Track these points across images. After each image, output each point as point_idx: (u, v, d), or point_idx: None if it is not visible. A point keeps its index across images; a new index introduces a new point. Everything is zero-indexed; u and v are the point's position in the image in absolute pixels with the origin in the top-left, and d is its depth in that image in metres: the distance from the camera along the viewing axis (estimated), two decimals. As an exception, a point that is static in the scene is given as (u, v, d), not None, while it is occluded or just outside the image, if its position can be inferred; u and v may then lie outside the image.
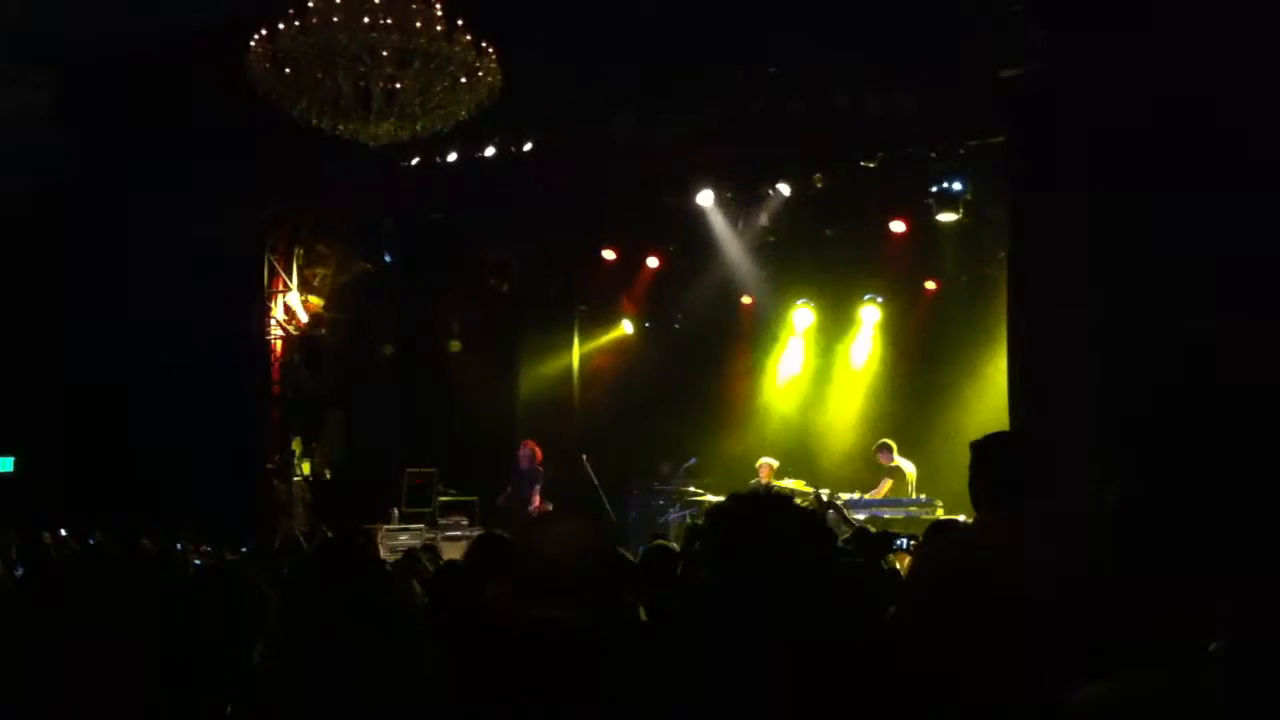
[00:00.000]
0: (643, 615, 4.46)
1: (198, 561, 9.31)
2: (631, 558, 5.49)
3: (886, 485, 12.71)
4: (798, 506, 2.46)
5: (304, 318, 14.26)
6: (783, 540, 2.20)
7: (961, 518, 9.39)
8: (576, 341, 16.02)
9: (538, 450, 13.64)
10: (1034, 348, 9.27)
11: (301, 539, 12.30)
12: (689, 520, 12.08)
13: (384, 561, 5.54)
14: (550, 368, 15.97)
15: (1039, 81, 9.15)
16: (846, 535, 8.27)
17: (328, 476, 14.05)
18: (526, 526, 6.57)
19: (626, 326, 15.77)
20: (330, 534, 11.10)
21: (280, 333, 14.16)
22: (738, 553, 2.17)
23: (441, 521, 13.49)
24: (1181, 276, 8.19)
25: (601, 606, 2.35)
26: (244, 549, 10.87)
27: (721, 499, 4.15)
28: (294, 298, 14.17)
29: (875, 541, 7.28)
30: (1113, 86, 8.60)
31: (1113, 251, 8.52)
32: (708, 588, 2.27)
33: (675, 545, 6.20)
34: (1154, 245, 8.32)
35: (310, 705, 2.27)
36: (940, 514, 11.38)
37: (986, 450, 3.96)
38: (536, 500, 13.07)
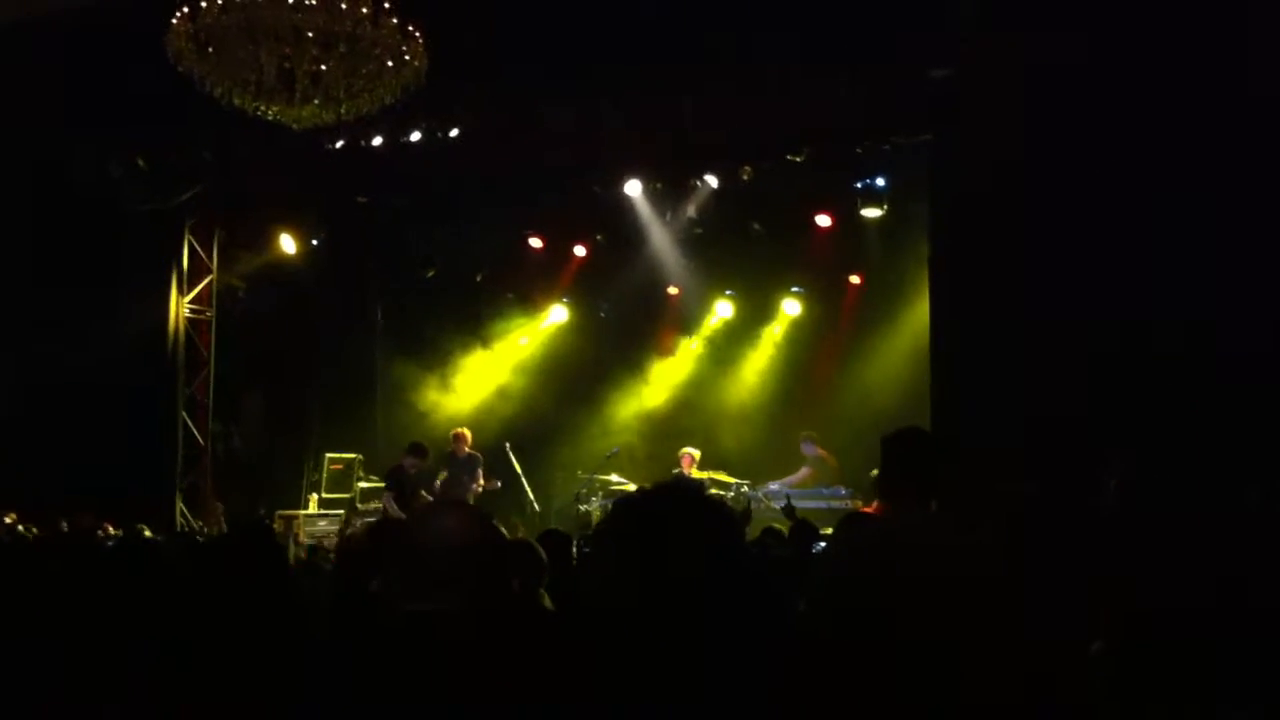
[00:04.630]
0: (546, 602, 4.45)
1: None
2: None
3: (806, 473, 12.83)
4: (707, 499, 2.43)
5: (224, 300, 14.05)
6: (688, 536, 2.16)
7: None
8: (503, 329, 15.93)
9: (467, 435, 13.50)
10: (951, 348, 9.40)
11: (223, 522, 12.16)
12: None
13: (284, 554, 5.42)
14: (476, 355, 15.87)
15: (966, 83, 9.26)
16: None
17: (245, 461, 13.86)
18: (409, 519, 6.61)
19: (553, 315, 15.73)
20: (245, 520, 10.98)
21: (200, 314, 13.92)
22: (640, 550, 2.14)
23: (361, 507, 13.38)
24: (1097, 279, 8.35)
25: (480, 596, 2.32)
26: (162, 532, 10.72)
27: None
28: (213, 280, 13.95)
29: (799, 536, 7.31)
30: (1036, 91, 8.72)
31: (1027, 255, 8.67)
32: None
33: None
34: (1069, 249, 8.47)
35: (202, 699, 2.24)
36: (859, 505, 11.48)
37: (896, 445, 4.01)
38: (481, 483, 12.79)
